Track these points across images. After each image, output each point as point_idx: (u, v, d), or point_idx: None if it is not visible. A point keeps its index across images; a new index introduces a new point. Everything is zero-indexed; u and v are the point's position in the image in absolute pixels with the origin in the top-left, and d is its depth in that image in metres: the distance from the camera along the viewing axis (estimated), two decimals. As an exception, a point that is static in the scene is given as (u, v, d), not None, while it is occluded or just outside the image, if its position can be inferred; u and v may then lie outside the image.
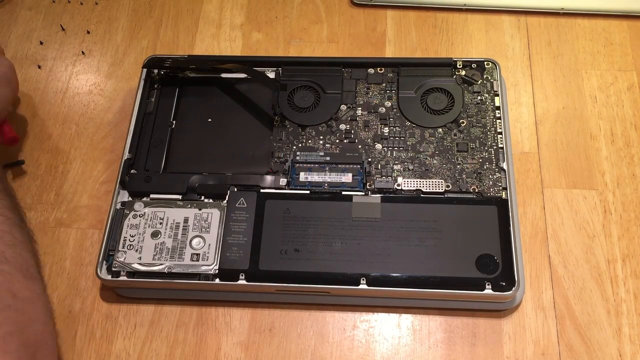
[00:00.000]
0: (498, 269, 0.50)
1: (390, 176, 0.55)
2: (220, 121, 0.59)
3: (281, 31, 0.69)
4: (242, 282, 0.51)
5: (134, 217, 0.54)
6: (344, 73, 0.61)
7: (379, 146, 0.57)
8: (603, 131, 0.60)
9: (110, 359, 0.51)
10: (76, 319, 0.53)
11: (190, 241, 0.52)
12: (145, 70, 0.61)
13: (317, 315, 0.52)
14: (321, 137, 0.58)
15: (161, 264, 0.52)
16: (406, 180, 0.54)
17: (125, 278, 0.51)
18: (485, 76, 0.59)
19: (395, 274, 0.50)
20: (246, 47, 0.68)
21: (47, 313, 0.45)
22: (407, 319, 0.52)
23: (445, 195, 0.54)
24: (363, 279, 0.50)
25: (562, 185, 0.57)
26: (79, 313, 0.53)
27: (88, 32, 0.70)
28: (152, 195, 0.55)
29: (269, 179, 0.55)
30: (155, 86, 0.61)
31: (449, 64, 0.60)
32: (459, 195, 0.53)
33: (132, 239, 0.52)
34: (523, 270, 0.51)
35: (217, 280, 0.51)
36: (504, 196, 0.53)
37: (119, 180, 0.56)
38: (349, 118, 0.58)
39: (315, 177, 0.55)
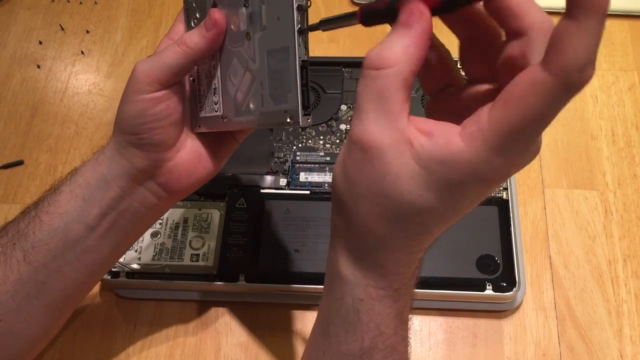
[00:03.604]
0: (499, 270, 0.50)
1: (391, 176, 0.55)
2: (220, 121, 0.59)
3: (281, 31, 0.69)
4: (242, 282, 0.50)
5: (134, 217, 0.53)
6: (344, 73, 0.61)
7: (379, 146, 0.56)
8: (604, 131, 0.60)
9: (110, 359, 0.51)
10: (76, 319, 0.53)
11: (190, 241, 0.52)
12: (145, 69, 0.61)
13: (317, 316, 0.52)
14: (321, 137, 0.57)
15: (161, 264, 0.51)
16: (406, 180, 0.54)
17: (124, 278, 0.51)
18: (485, 76, 0.59)
19: (395, 275, 0.50)
20: (246, 46, 0.68)
21: None
22: (410, 327, 0.52)
23: (446, 196, 0.53)
24: (363, 280, 0.50)
25: (563, 186, 0.57)
26: (79, 313, 0.53)
27: (87, 32, 0.70)
28: (151, 196, 0.55)
29: (269, 179, 0.55)
30: (155, 86, 0.61)
31: (449, 64, 0.60)
32: (459, 196, 0.53)
33: (131, 239, 0.52)
34: (524, 271, 0.51)
35: (217, 281, 0.51)
36: (504, 196, 0.53)
37: (118, 180, 0.55)
38: (349, 118, 0.58)
39: (315, 177, 0.55)
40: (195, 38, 0.35)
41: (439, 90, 0.30)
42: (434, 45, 0.30)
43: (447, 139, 0.25)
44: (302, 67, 0.31)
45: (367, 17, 0.28)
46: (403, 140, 0.25)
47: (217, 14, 0.35)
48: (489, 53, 0.28)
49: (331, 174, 0.55)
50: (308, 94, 0.31)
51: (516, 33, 0.26)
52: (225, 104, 0.37)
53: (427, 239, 0.28)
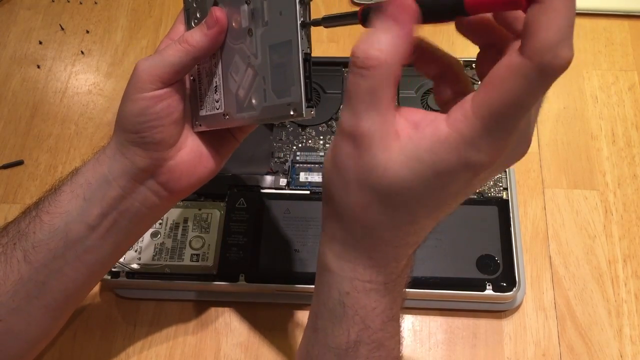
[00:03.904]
0: (499, 270, 0.50)
1: (391, 176, 0.55)
2: (220, 121, 0.59)
3: (281, 31, 0.69)
4: (242, 282, 0.50)
5: (134, 217, 0.53)
6: (344, 73, 0.61)
7: (379, 146, 0.56)
8: (604, 131, 0.60)
9: (110, 359, 0.51)
10: (76, 319, 0.53)
11: (190, 241, 0.52)
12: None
13: (317, 316, 0.52)
14: (321, 137, 0.57)
15: (161, 264, 0.51)
16: (406, 180, 0.54)
17: (124, 279, 0.51)
18: (485, 76, 0.59)
19: (395, 275, 0.50)
20: (246, 46, 0.68)
21: None
22: (407, 320, 0.52)
23: (446, 196, 0.53)
24: (363, 280, 0.50)
25: (563, 186, 0.57)
26: (79, 313, 0.53)
27: (87, 32, 0.70)
28: (151, 196, 0.55)
29: (269, 179, 0.55)
30: (155, 86, 0.61)
31: (449, 64, 0.59)
32: (459, 196, 0.53)
33: (131, 239, 0.52)
34: (524, 271, 0.51)
35: (217, 281, 0.51)
36: (504, 196, 0.53)
37: (118, 180, 0.55)
38: (349, 118, 0.58)
39: (315, 177, 0.55)
40: (197, 36, 0.35)
41: (450, 100, 0.31)
42: (446, 58, 0.30)
43: (434, 126, 0.25)
44: (304, 60, 0.31)
45: (367, 17, 0.28)
46: (392, 132, 0.26)
47: (218, 12, 0.35)
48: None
49: (331, 174, 0.55)
50: (311, 86, 0.32)
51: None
52: (227, 101, 0.37)
53: (415, 230, 0.28)
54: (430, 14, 0.26)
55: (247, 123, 0.36)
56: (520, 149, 0.27)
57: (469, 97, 0.25)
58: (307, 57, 0.31)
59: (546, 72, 0.22)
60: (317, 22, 0.31)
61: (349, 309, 0.29)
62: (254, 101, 0.35)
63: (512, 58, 0.23)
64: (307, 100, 0.31)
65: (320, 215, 0.53)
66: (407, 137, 0.26)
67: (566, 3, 0.21)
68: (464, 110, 0.25)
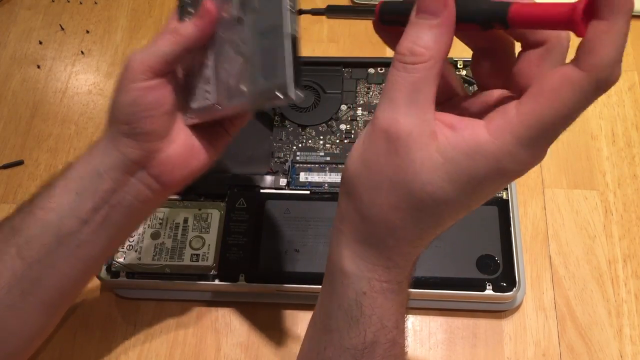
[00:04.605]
0: (499, 270, 0.50)
1: (391, 176, 0.55)
2: (220, 121, 0.59)
3: (281, 31, 0.68)
4: (242, 282, 0.50)
5: (134, 217, 0.53)
6: (344, 73, 0.61)
7: (379, 146, 0.56)
8: (604, 131, 0.60)
9: (110, 359, 0.51)
10: (76, 319, 0.53)
11: (190, 241, 0.52)
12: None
13: (317, 316, 0.52)
14: (321, 137, 0.57)
15: (161, 264, 0.51)
16: (406, 180, 0.54)
17: (124, 279, 0.51)
18: (485, 76, 0.59)
19: (395, 275, 0.50)
20: (246, 46, 0.68)
21: None
22: (407, 320, 0.52)
23: (446, 196, 0.53)
24: (363, 280, 0.50)
25: (563, 186, 0.57)
26: (79, 313, 0.53)
27: (87, 32, 0.70)
28: (151, 196, 0.55)
29: (269, 179, 0.55)
30: (155, 86, 0.61)
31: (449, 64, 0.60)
32: (459, 196, 0.53)
33: (131, 239, 0.52)
34: (524, 271, 0.51)
35: (217, 281, 0.51)
36: (504, 196, 0.53)
37: (118, 180, 0.55)
38: (349, 118, 0.58)
39: (315, 178, 0.55)
40: (188, 26, 0.36)
41: (443, 102, 0.31)
42: None
43: (473, 131, 0.25)
44: (292, 43, 0.31)
45: (387, 15, 0.27)
46: (429, 131, 0.26)
47: (209, 3, 0.36)
48: (502, 62, 0.28)
49: (331, 174, 0.55)
50: (299, 69, 0.31)
51: (535, 44, 0.27)
52: (218, 91, 0.37)
53: (437, 232, 0.28)
54: (465, 22, 0.25)
55: (238, 111, 0.36)
56: (545, 154, 0.28)
57: (511, 105, 0.25)
58: (294, 40, 0.31)
59: (601, 86, 0.23)
60: (319, 12, 0.31)
61: (366, 309, 0.29)
62: (243, 88, 0.35)
63: (567, 71, 0.23)
64: (295, 81, 0.31)
65: (321, 215, 0.53)
66: (445, 138, 0.25)
67: (627, 25, 0.22)
68: (508, 118, 0.25)
